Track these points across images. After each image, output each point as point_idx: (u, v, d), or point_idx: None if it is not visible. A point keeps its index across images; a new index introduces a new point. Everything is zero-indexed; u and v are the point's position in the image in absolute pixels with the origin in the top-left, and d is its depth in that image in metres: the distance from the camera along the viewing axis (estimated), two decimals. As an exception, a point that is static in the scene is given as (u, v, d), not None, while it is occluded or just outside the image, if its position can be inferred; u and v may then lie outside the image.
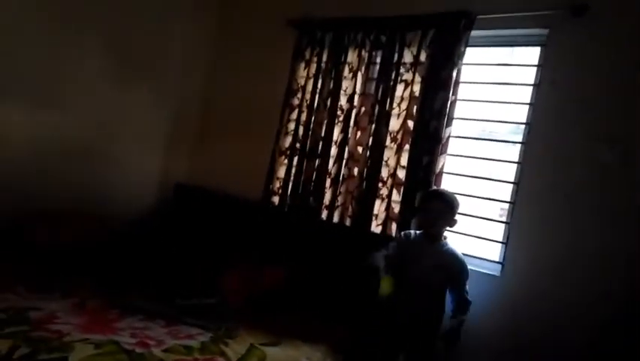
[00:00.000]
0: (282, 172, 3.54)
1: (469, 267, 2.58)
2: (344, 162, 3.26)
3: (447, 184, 2.92)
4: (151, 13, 3.61)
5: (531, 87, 2.82)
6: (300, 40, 3.57)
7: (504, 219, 2.87)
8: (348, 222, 3.19)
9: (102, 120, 3.42)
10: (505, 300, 2.69)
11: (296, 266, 2.89)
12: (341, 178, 3.26)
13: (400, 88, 3.08)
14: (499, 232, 2.87)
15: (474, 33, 2.86)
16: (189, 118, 4.12)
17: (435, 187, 2.80)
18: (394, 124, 3.08)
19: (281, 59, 3.66)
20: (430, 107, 2.89)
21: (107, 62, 3.36)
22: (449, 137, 2.88)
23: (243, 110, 3.96)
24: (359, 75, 3.26)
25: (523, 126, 2.84)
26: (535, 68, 2.83)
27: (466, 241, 2.91)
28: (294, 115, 3.54)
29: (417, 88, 3.01)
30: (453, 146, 2.94)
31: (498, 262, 2.80)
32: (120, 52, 3.44)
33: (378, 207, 3.06)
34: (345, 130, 3.28)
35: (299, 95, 3.54)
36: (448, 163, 2.91)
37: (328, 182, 3.30)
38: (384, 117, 3.09)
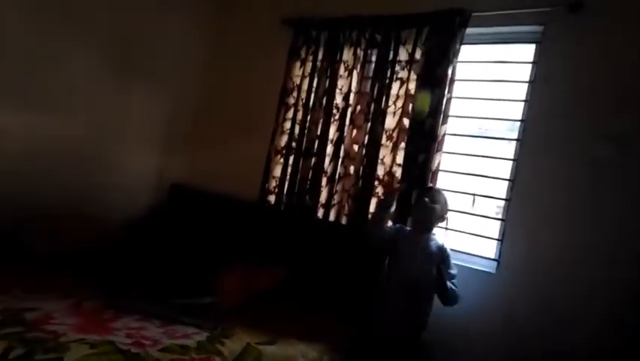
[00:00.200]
0: (278, 171, 3.54)
1: (464, 264, 2.60)
2: (340, 160, 3.26)
3: (443, 182, 2.92)
4: (146, 13, 3.59)
5: (526, 84, 2.82)
6: (296, 39, 3.57)
7: (500, 216, 2.87)
8: (344, 220, 3.19)
9: (98, 122, 3.40)
10: (500, 297, 2.70)
11: (292, 265, 2.89)
12: (337, 177, 3.26)
13: (395, 86, 3.09)
14: (495, 229, 2.87)
15: (469, 31, 2.86)
16: (185, 118, 4.11)
17: (429, 185, 2.80)
18: (390, 122, 3.08)
19: (276, 58, 3.66)
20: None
21: (102, 63, 3.34)
22: (445, 134, 2.88)
23: (238, 110, 3.96)
24: (354, 73, 3.26)
25: (518, 123, 2.84)
26: (530, 65, 2.83)
27: (462, 238, 2.91)
28: (290, 114, 3.54)
29: (412, 86, 3.01)
30: (449, 143, 2.94)
31: (494, 260, 2.80)
32: (115, 53, 3.42)
33: (375, 205, 3.06)
34: (340, 128, 3.28)
35: (294, 93, 3.54)
36: (443, 161, 2.91)
37: (324, 181, 3.30)
38: (380, 115, 3.09)
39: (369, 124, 3.14)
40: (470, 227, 2.92)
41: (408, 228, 2.74)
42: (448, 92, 2.87)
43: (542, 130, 2.69)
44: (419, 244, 2.60)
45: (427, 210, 2.59)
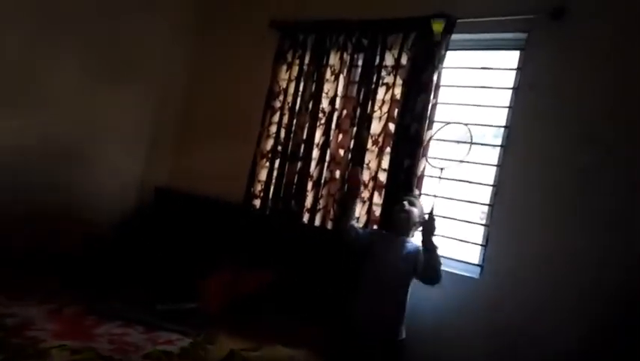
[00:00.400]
0: (263, 175, 3.53)
1: (447, 270, 2.62)
2: (326, 164, 3.26)
3: (427, 187, 2.93)
4: (131, 14, 3.56)
5: (510, 91, 2.85)
6: (282, 42, 3.56)
7: (484, 222, 2.89)
8: (329, 225, 3.19)
9: (81, 124, 3.36)
10: (484, 302, 2.71)
11: (277, 270, 2.88)
12: (323, 181, 3.26)
13: (381, 91, 3.10)
14: (478, 234, 2.89)
15: (454, 37, 2.88)
16: (170, 121, 4.08)
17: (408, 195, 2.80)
18: (376, 127, 3.09)
19: (262, 62, 3.65)
20: (411, 110, 2.92)
21: (87, 65, 3.31)
22: (430, 140, 2.90)
23: (224, 113, 3.94)
24: (341, 78, 3.27)
25: (502, 130, 2.86)
26: (514, 72, 2.86)
27: (446, 243, 2.92)
28: (276, 118, 3.53)
29: (398, 91, 3.02)
30: (434, 149, 2.95)
31: (477, 265, 2.82)
32: (101, 55, 3.39)
33: (360, 210, 3.06)
34: (326, 133, 3.28)
35: (281, 97, 3.54)
36: (429, 166, 2.92)
37: (310, 185, 3.30)
38: (366, 120, 3.10)
39: (355, 129, 3.15)
40: (454, 232, 2.93)
41: (384, 231, 2.79)
42: (434, 98, 2.89)
43: (526, 136, 2.72)
44: (395, 247, 2.64)
45: (405, 213, 2.64)
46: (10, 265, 2.60)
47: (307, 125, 3.36)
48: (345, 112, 3.24)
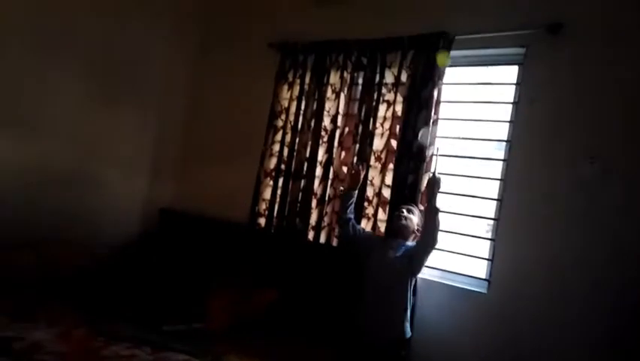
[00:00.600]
0: (267, 194, 3.55)
1: (455, 285, 2.63)
2: (329, 182, 3.27)
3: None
4: (133, 38, 3.62)
5: (510, 105, 2.87)
6: (283, 62, 3.61)
7: (490, 236, 2.89)
8: (334, 242, 3.19)
9: (85, 148, 3.40)
10: (492, 317, 2.69)
11: (283, 289, 2.88)
12: (327, 198, 3.26)
13: (382, 108, 3.12)
14: (485, 249, 2.88)
15: (453, 53, 2.91)
16: (173, 143, 4.11)
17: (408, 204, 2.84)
18: (378, 143, 3.11)
19: (263, 81, 3.69)
20: (413, 127, 2.93)
21: (87, 88, 3.35)
22: (432, 155, 2.91)
23: (226, 133, 3.97)
24: (342, 96, 3.30)
25: (504, 144, 2.88)
26: (513, 86, 2.88)
27: (452, 258, 2.92)
28: (279, 136, 3.56)
29: (399, 108, 3.05)
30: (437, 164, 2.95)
31: (484, 280, 2.81)
32: (103, 78, 3.44)
33: (365, 226, 3.06)
34: (329, 150, 3.30)
35: (283, 116, 3.57)
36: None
37: (314, 202, 3.31)
38: (368, 137, 3.12)
39: (357, 146, 3.17)
40: (460, 247, 2.93)
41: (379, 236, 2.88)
42: (435, 114, 2.91)
43: (528, 150, 2.73)
44: (391, 249, 2.68)
45: (404, 219, 2.71)
46: (17, 289, 2.60)
47: (310, 143, 3.38)
48: (347, 129, 3.27)
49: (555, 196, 2.62)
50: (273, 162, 3.56)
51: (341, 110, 3.31)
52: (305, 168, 3.38)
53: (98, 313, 2.54)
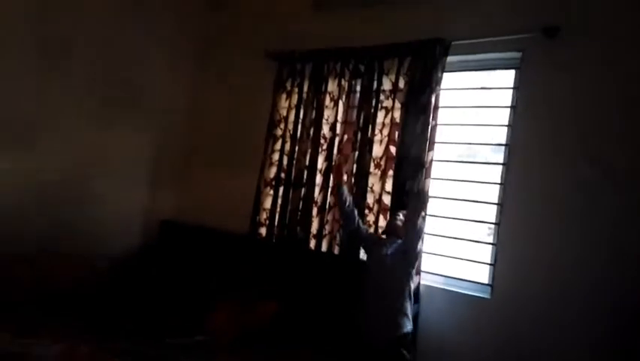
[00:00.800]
0: (268, 203, 3.54)
1: (458, 290, 2.66)
2: (330, 190, 3.27)
3: (432, 207, 2.94)
4: (132, 49, 3.63)
5: (508, 109, 2.87)
6: (281, 71, 3.61)
7: (491, 240, 2.88)
8: (336, 250, 3.19)
9: (84, 160, 3.40)
10: (495, 323, 2.68)
11: (286, 299, 2.87)
12: (327, 206, 3.26)
13: (380, 115, 3.13)
14: (487, 253, 2.87)
15: (450, 59, 2.92)
16: (172, 154, 4.11)
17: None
18: (377, 150, 3.11)
19: (262, 91, 3.70)
20: (412, 132, 2.93)
21: (90, 100, 3.36)
22: (432, 161, 2.91)
23: (225, 143, 3.97)
24: (340, 104, 3.31)
25: (503, 148, 2.88)
26: (511, 91, 2.88)
27: (454, 264, 2.91)
28: (278, 145, 3.57)
29: (397, 114, 3.05)
30: (436, 169, 2.96)
31: (487, 285, 2.80)
32: (103, 91, 3.44)
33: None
34: (329, 158, 3.30)
35: (282, 125, 3.57)
36: (432, 187, 2.93)
37: (315, 211, 3.30)
38: (367, 144, 3.12)
39: (356, 153, 3.17)
40: (462, 253, 2.92)
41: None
42: (433, 119, 2.91)
43: (526, 153, 2.73)
44: (384, 247, 2.73)
45: (400, 221, 2.79)
46: (18, 304, 2.60)
47: (309, 151, 3.39)
48: (346, 137, 3.28)
49: (555, 197, 2.63)
50: (273, 171, 3.56)
51: (340, 117, 3.31)
52: (305, 177, 3.38)
53: (100, 326, 2.53)
